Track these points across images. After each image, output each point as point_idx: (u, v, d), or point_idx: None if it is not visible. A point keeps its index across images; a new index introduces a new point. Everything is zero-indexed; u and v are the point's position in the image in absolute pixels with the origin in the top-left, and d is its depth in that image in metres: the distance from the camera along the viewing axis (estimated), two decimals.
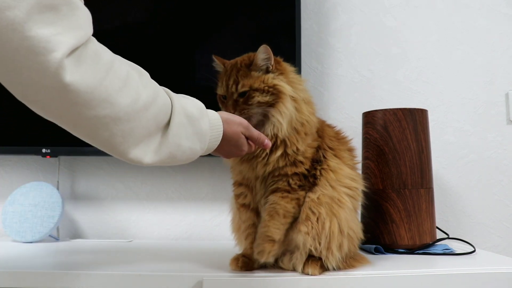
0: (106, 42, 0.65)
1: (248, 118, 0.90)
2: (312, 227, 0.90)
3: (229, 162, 0.98)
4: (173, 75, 1.42)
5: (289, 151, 0.91)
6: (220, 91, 0.96)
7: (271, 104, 0.91)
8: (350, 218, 0.94)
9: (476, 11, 1.57)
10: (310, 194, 0.93)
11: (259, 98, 0.90)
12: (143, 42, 1.44)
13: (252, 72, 0.92)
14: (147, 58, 1.43)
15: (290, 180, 0.92)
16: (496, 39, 1.57)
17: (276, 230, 0.90)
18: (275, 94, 0.91)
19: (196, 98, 0.81)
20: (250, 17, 1.43)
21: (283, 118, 0.90)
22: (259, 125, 0.92)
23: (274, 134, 0.91)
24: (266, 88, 0.91)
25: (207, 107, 0.81)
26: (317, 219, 0.91)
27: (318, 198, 0.92)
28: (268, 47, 0.91)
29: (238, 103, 0.91)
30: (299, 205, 0.93)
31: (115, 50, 0.66)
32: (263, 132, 0.91)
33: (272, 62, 0.93)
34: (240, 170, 0.96)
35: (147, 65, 1.42)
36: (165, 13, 1.43)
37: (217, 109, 0.96)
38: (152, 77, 0.73)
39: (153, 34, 1.45)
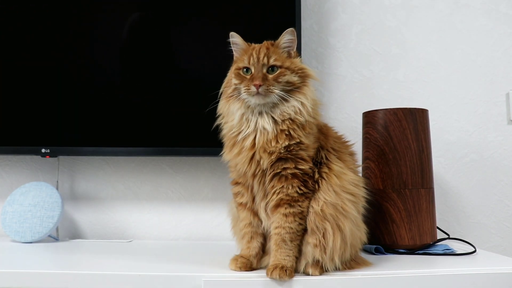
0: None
1: (268, 97, 0.90)
2: (320, 241, 0.90)
3: (227, 156, 0.96)
4: (174, 77, 1.42)
5: (291, 142, 0.90)
6: (244, 63, 0.94)
7: (297, 87, 0.92)
8: (354, 227, 0.94)
9: (476, 11, 1.57)
10: (313, 204, 0.91)
11: (288, 77, 0.92)
12: (139, 41, 1.44)
13: (279, 51, 0.94)
14: (143, 56, 1.43)
15: (291, 187, 0.90)
16: (496, 39, 1.56)
17: (286, 257, 0.89)
18: (302, 78, 0.94)
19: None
20: (250, 17, 1.43)
21: (308, 101, 0.92)
22: (273, 108, 0.91)
23: (294, 116, 0.90)
24: (296, 69, 0.93)
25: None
26: (323, 235, 0.90)
27: (322, 210, 0.90)
28: (294, 31, 0.94)
29: (267, 77, 0.91)
30: (305, 216, 0.91)
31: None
32: (283, 113, 0.90)
33: (295, 49, 0.95)
34: (235, 163, 0.94)
35: (143, 64, 1.41)
36: (162, 11, 1.42)
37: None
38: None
39: (150, 33, 1.45)
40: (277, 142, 0.89)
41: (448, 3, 1.57)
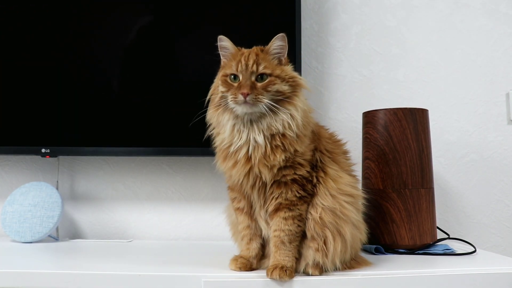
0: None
1: (256, 106, 0.86)
2: (321, 246, 0.89)
3: (221, 166, 0.94)
4: (174, 77, 1.42)
5: (287, 154, 0.88)
6: (231, 69, 0.90)
7: (287, 97, 0.89)
8: (355, 229, 0.94)
9: (476, 11, 1.57)
10: (312, 211, 0.91)
11: (278, 86, 0.88)
12: (141, 42, 1.44)
13: (269, 57, 0.90)
14: (142, 56, 1.43)
15: (290, 191, 0.89)
16: (496, 39, 1.56)
17: (286, 257, 0.89)
18: (293, 87, 0.90)
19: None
20: (250, 17, 1.43)
21: (298, 113, 0.88)
22: (261, 118, 0.88)
23: (283, 130, 0.87)
24: (287, 77, 0.89)
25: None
26: (324, 241, 0.89)
27: (320, 217, 0.90)
28: (285, 36, 0.90)
29: (256, 86, 0.87)
30: (304, 219, 0.91)
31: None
32: (270, 128, 0.87)
33: (285, 56, 0.92)
34: (230, 175, 0.92)
35: (143, 64, 1.40)
36: (162, 11, 1.42)
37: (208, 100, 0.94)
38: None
39: (150, 33, 1.45)
40: (274, 156, 0.88)
41: (448, 3, 1.57)
